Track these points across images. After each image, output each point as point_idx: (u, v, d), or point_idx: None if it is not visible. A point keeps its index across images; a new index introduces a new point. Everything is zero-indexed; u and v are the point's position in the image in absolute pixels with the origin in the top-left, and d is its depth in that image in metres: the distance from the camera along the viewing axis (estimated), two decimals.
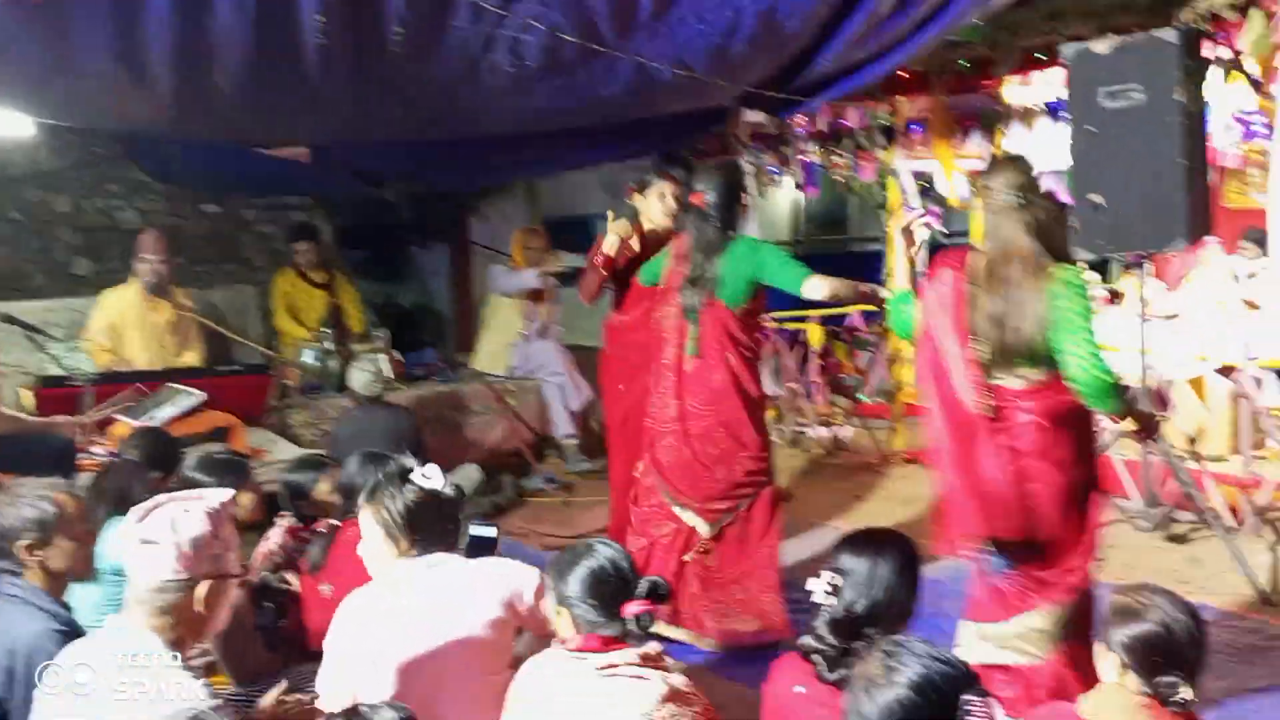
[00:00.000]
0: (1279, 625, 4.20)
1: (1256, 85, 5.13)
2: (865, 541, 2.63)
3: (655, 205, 4.90)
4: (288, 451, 5.63)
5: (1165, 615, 2.32)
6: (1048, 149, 6.24)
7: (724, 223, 4.19)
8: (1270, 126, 6.07)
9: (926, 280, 3.32)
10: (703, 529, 4.25)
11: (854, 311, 7.64)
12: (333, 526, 3.60)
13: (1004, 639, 3.24)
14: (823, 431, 7.25)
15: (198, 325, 6.44)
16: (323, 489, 3.97)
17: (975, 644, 3.26)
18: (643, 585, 2.45)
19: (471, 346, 8.73)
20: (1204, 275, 6.66)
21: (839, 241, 12.57)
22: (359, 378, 5.56)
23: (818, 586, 2.55)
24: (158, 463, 3.82)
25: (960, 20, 4.68)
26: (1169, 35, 4.48)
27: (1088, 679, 3.21)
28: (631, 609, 2.40)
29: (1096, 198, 4.66)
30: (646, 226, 4.94)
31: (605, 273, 4.85)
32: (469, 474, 6.08)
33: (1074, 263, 3.24)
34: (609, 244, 4.79)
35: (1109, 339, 6.12)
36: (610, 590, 2.44)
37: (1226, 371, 5.51)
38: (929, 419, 3.30)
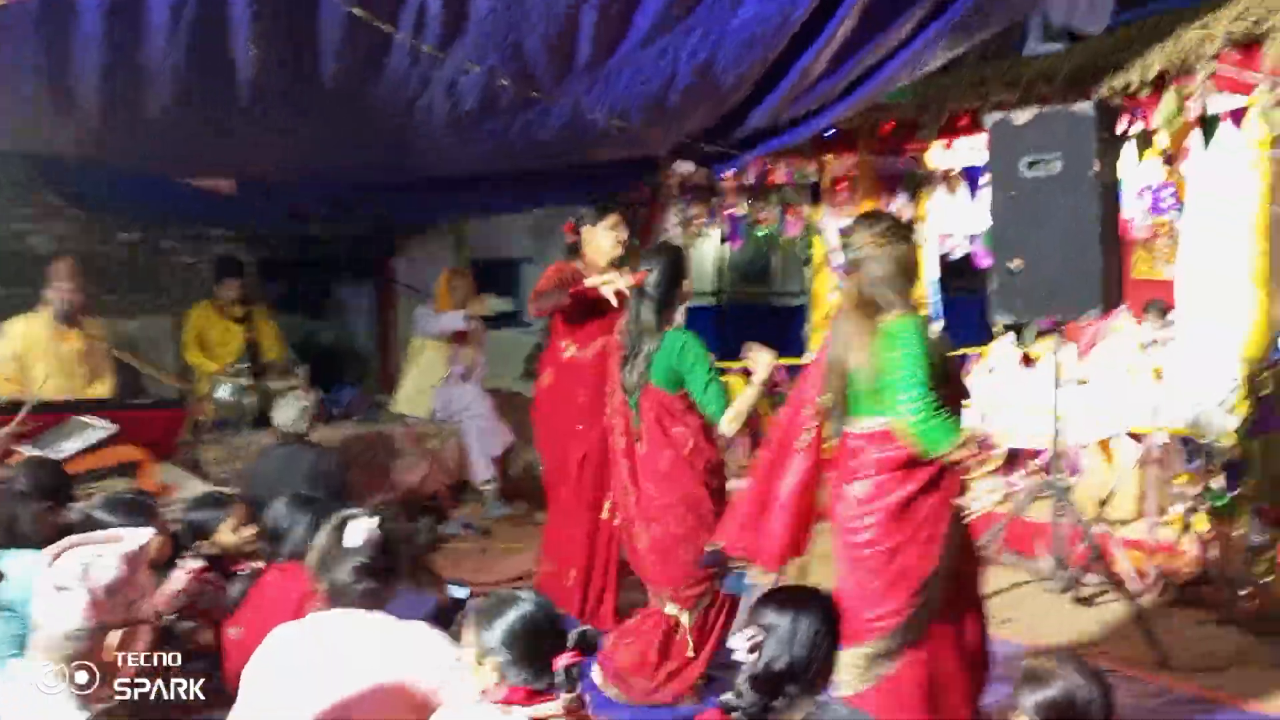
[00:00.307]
0: (1182, 689, 4.27)
1: (1167, 161, 5.32)
2: (787, 598, 2.63)
3: (607, 236, 4.85)
4: (198, 489, 5.48)
5: (1074, 681, 2.39)
6: (969, 212, 6.42)
7: (663, 304, 4.18)
8: (1179, 201, 6.33)
9: None
10: (685, 620, 4.17)
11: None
12: (255, 569, 3.51)
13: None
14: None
15: (109, 356, 6.27)
16: (226, 528, 3.89)
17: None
18: (572, 636, 2.42)
19: (393, 386, 8.62)
20: (1113, 343, 6.86)
21: (762, 294, 12.70)
22: (285, 414, 5.41)
23: (739, 643, 2.54)
24: (46, 493, 3.66)
25: (891, 84, 4.80)
26: (1087, 109, 4.63)
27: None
28: (563, 661, 2.37)
29: (1016, 263, 4.78)
30: (595, 258, 4.90)
31: (572, 300, 4.78)
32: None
33: (913, 311, 3.36)
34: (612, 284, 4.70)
35: (1023, 401, 6.31)
36: (538, 642, 2.40)
37: (1135, 438, 5.65)
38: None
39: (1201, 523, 5.07)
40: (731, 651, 2.56)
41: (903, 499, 3.35)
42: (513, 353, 8.13)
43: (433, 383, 7.15)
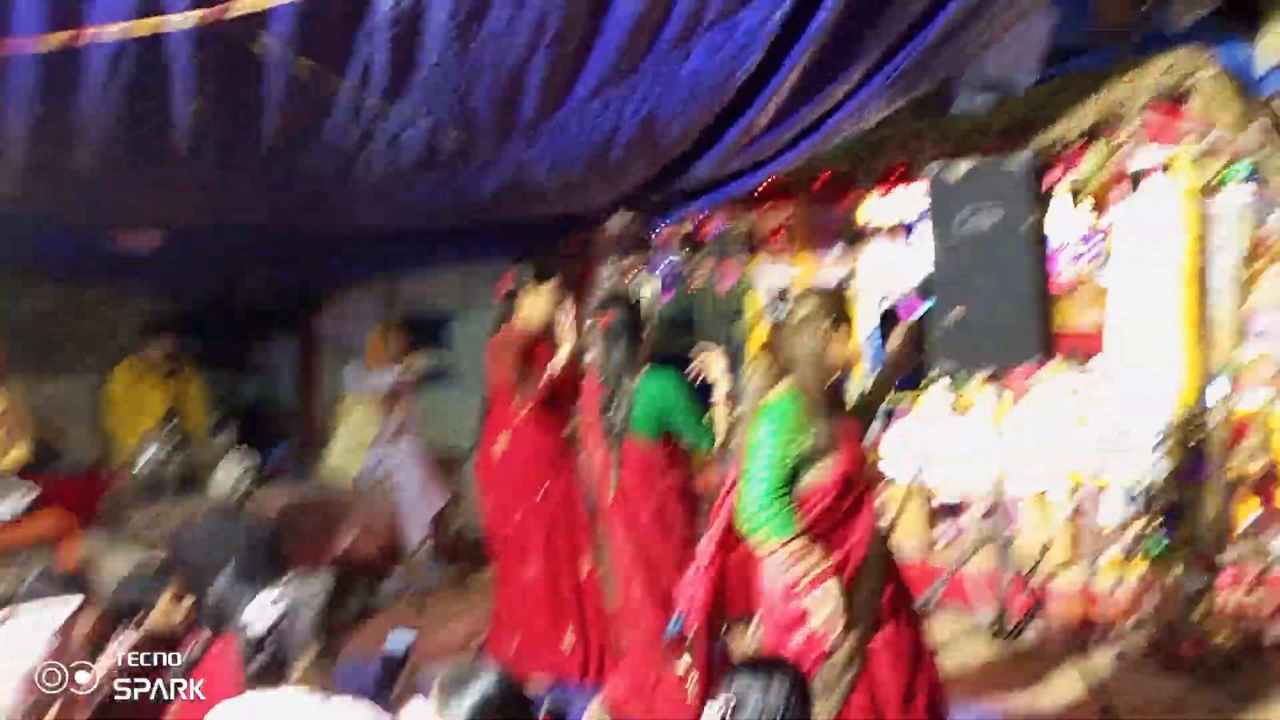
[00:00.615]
0: None
1: (1095, 211, 5.44)
2: (757, 665, 2.61)
3: (547, 298, 4.94)
4: (125, 559, 5.29)
5: None
6: (904, 264, 6.49)
7: (634, 340, 4.21)
8: (1103, 252, 6.47)
9: None
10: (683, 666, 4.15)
11: None
12: (201, 643, 3.37)
13: None
14: None
15: (26, 420, 6.02)
16: (164, 602, 3.74)
17: None
18: (545, 706, 2.36)
19: (319, 444, 8.44)
20: (1042, 391, 6.96)
21: (686, 345, 12.71)
22: (225, 479, 5.24)
23: (712, 714, 2.49)
24: None
25: (834, 136, 4.83)
26: (1022, 161, 4.72)
27: None
28: None
29: (957, 312, 4.83)
30: (526, 322, 4.99)
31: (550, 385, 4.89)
32: (320, 583, 5.78)
33: (797, 392, 3.35)
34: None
35: (957, 451, 6.34)
36: (505, 716, 2.33)
37: (1069, 487, 5.71)
38: None
39: (1138, 570, 5.14)
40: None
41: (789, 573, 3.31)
42: (442, 410, 8.00)
43: (364, 442, 7.00)
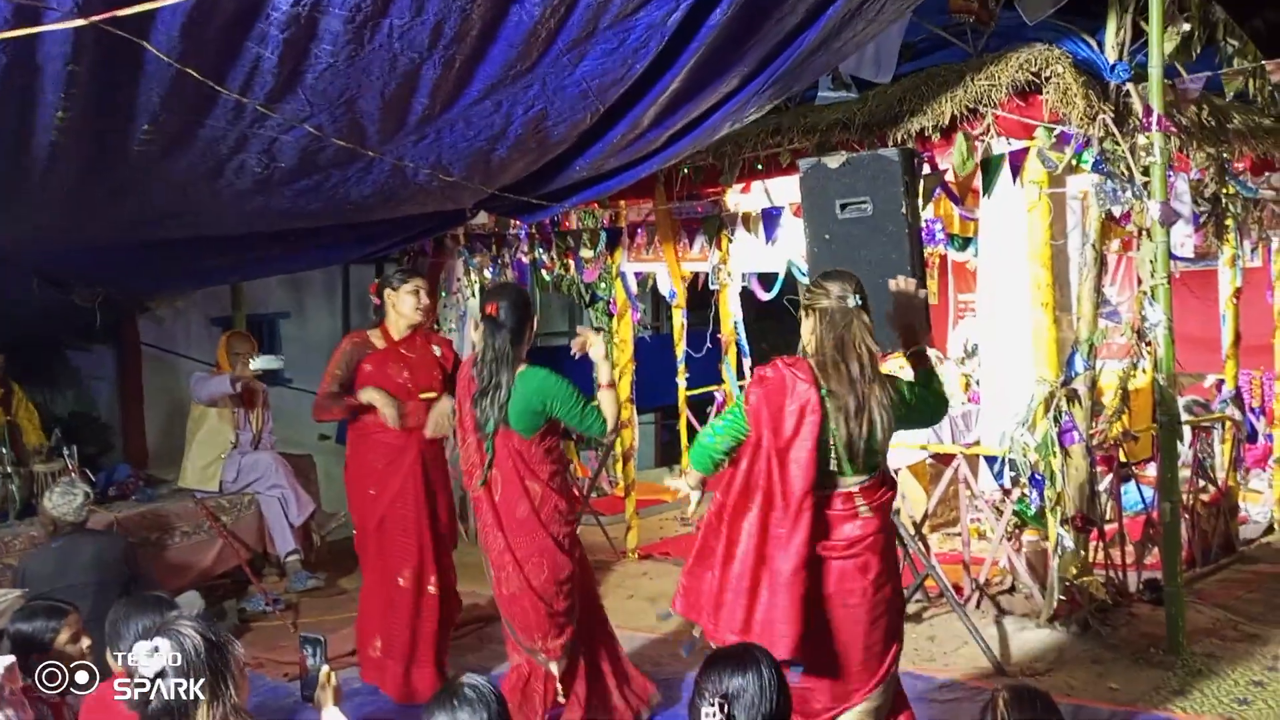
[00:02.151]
0: None
1: (956, 201, 5.68)
2: (739, 659, 2.61)
3: (408, 301, 5.00)
4: None
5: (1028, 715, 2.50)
6: (764, 254, 6.63)
7: (517, 334, 4.14)
8: (947, 234, 6.78)
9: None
10: (554, 669, 4.20)
11: None
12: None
13: None
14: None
15: None
16: (63, 639, 3.52)
17: None
18: None
19: (143, 459, 8.04)
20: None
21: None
22: (64, 503, 4.94)
23: (709, 716, 2.50)
24: None
25: (714, 135, 4.88)
26: (892, 154, 4.87)
27: None
28: None
29: None
30: (397, 321, 5.03)
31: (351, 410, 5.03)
32: (190, 603, 5.52)
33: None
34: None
35: None
36: None
37: (943, 458, 5.98)
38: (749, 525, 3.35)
39: (1012, 533, 5.43)
40: None
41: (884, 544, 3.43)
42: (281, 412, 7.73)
43: (220, 452, 6.71)
